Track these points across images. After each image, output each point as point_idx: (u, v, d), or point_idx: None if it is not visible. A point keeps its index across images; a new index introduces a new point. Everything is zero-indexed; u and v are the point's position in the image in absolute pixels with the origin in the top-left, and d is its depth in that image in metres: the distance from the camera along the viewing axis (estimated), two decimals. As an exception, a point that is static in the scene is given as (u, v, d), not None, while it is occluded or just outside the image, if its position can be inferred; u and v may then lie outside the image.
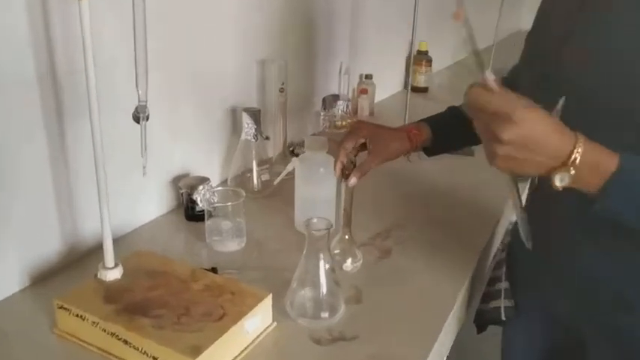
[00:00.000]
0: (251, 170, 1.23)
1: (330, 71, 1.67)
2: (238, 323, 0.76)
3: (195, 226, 1.10)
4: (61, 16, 0.83)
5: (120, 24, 0.88)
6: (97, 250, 0.98)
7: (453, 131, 1.05)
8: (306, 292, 0.85)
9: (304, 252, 0.84)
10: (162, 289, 0.82)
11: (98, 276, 0.83)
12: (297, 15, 1.47)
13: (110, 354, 0.75)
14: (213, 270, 0.94)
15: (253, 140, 1.21)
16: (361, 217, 1.11)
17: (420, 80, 2.13)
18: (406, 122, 1.65)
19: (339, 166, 0.94)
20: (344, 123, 1.61)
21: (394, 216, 1.17)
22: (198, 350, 0.70)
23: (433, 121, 1.05)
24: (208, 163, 1.24)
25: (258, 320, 0.80)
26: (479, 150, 1.53)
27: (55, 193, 0.91)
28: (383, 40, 1.97)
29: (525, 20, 3.22)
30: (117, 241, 1.02)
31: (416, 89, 2.15)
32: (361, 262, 0.98)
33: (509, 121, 0.58)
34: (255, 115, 1.20)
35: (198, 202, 1.10)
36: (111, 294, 0.81)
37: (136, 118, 0.71)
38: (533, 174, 0.64)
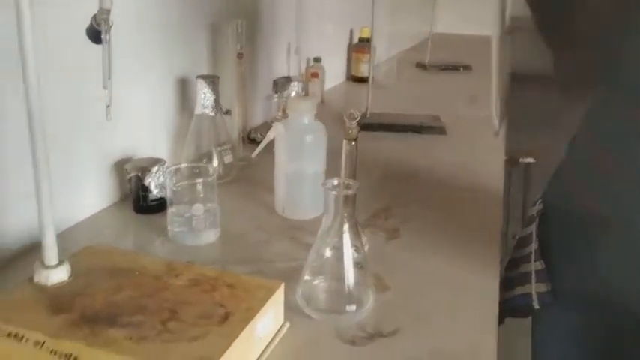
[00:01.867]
0: (209, 152, 1.01)
1: (276, 52, 1.48)
2: (250, 324, 0.54)
3: (148, 220, 0.86)
4: None
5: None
6: (25, 254, 0.73)
7: None
8: (325, 282, 0.65)
9: (320, 229, 0.64)
10: (131, 289, 0.59)
11: (35, 279, 0.59)
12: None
13: (65, 386, 0.51)
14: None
15: (212, 114, 0.99)
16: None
17: (363, 70, 1.99)
18: (369, 103, 1.49)
19: None
20: (298, 108, 1.42)
21: (388, 195, 0.99)
22: (207, 364, 0.48)
23: None
24: (155, 146, 1.00)
25: (270, 320, 0.59)
26: (451, 129, 1.38)
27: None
28: (325, 26, 1.81)
29: (442, 23, 3.20)
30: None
31: (357, 79, 2.01)
32: (367, 246, 0.79)
33: None
34: (214, 82, 0.98)
35: (152, 188, 0.87)
36: (58, 301, 0.56)
37: (95, 34, 0.48)
38: None
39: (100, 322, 0.53)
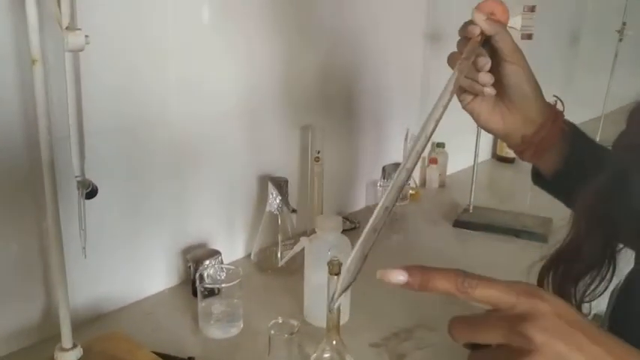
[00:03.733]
0: (276, 245, 1.13)
1: (393, 137, 1.54)
2: None
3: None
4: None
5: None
6: (96, 320, 0.92)
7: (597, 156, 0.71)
8: (271, 405, 0.72)
9: (268, 355, 0.71)
10: (111, 381, 0.73)
11: (54, 357, 0.77)
12: (351, 80, 1.38)
13: None
14: (189, 360, 0.84)
15: (276, 213, 1.11)
16: (379, 309, 0.97)
17: (509, 150, 1.92)
18: (472, 199, 1.47)
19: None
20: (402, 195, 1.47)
21: (423, 313, 0.99)
22: None
23: (577, 129, 0.73)
24: (231, 234, 1.16)
25: None
26: (557, 236, 1.30)
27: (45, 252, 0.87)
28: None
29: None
30: (111, 313, 0.97)
31: (502, 159, 1.95)
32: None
33: (533, 310, 0.38)
34: (281, 185, 1.10)
35: (205, 278, 1.01)
36: (57, 381, 0.73)
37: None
38: None
39: (69, 408, 0.68)
